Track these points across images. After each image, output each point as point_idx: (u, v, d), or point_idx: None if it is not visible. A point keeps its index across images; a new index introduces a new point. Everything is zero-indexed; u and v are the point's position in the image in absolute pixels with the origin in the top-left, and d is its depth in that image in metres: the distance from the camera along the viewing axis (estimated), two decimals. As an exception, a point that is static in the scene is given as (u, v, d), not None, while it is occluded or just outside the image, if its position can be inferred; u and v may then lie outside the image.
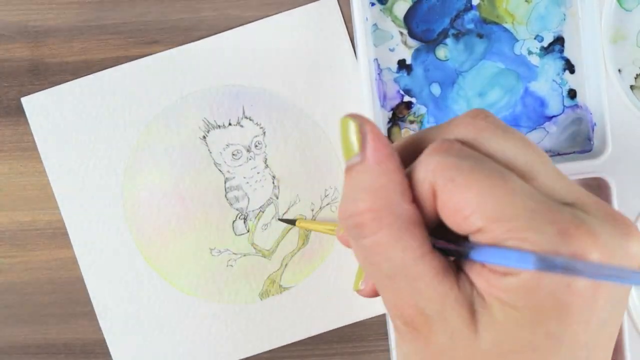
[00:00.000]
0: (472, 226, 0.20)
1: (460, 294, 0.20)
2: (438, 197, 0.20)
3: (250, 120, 0.41)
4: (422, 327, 0.20)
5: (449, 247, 0.21)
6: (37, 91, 0.41)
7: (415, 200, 0.21)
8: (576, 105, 0.41)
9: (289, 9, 0.41)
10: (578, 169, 0.40)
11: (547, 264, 0.18)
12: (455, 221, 0.20)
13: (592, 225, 0.19)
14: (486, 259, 0.20)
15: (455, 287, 0.20)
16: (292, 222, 0.41)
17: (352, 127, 0.21)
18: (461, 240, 0.21)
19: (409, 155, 0.23)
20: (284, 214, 0.42)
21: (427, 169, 0.20)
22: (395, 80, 0.41)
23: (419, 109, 0.41)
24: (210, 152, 0.42)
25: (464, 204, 0.20)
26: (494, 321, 0.20)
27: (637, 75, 0.41)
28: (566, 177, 0.21)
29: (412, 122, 0.41)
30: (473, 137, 0.21)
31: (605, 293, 0.19)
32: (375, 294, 0.25)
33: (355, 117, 0.21)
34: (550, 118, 0.41)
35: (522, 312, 0.19)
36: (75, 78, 0.41)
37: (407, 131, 0.41)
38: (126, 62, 0.41)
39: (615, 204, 0.39)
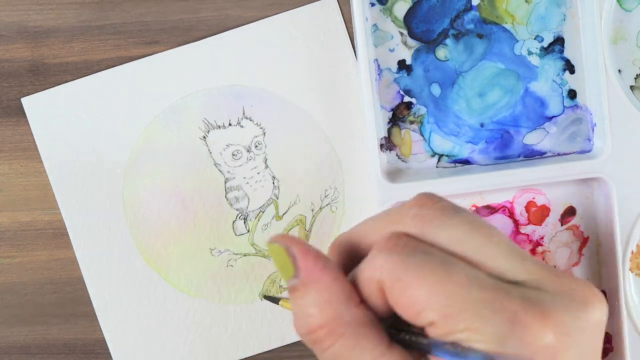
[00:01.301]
0: (425, 321, 0.20)
1: None
2: (388, 294, 0.21)
3: (250, 120, 0.42)
4: None
5: (411, 342, 0.21)
6: (37, 91, 0.41)
7: (365, 299, 0.21)
8: (576, 106, 0.41)
9: (289, 10, 0.41)
10: (578, 169, 0.40)
11: None
12: (409, 316, 0.21)
13: (543, 303, 0.19)
14: (446, 357, 0.20)
15: None
16: (275, 300, 0.40)
17: (280, 250, 0.22)
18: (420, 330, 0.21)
19: (355, 248, 0.23)
20: (284, 214, 0.42)
21: (373, 268, 0.21)
22: (395, 81, 0.41)
23: (419, 109, 0.41)
24: (211, 153, 0.42)
25: (413, 301, 0.20)
26: None
27: (637, 75, 0.41)
28: (519, 253, 0.21)
29: (412, 122, 0.41)
30: (420, 228, 0.21)
31: None
32: None
33: (280, 240, 0.22)
34: (550, 118, 0.41)
35: None
36: (75, 78, 0.41)
37: (407, 132, 0.41)
38: (126, 62, 0.41)
39: (615, 204, 0.39)
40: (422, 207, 0.22)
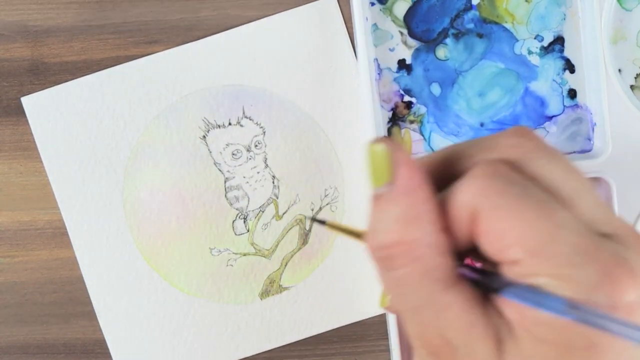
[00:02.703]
0: (511, 257, 0.19)
1: (487, 324, 0.20)
2: (479, 222, 0.19)
3: (250, 119, 0.42)
4: (448, 357, 0.20)
5: (480, 279, 0.20)
6: (37, 91, 0.41)
7: (448, 224, 0.20)
8: (576, 105, 0.41)
9: (289, 9, 0.41)
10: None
11: (581, 317, 0.18)
12: (494, 249, 0.19)
13: (634, 262, 0.19)
14: (518, 300, 0.19)
15: (483, 316, 0.20)
16: (322, 222, 0.41)
17: (383, 153, 0.20)
18: (492, 267, 0.20)
19: (444, 171, 0.22)
20: (283, 214, 0.42)
21: (470, 192, 0.20)
22: (395, 80, 0.41)
23: (419, 108, 0.41)
24: (210, 152, 0.42)
25: (506, 233, 0.19)
26: (521, 353, 0.19)
27: (637, 75, 0.41)
28: (607, 207, 0.20)
29: (412, 122, 0.41)
30: (519, 158, 0.20)
31: None
32: None
33: (386, 142, 0.20)
34: (550, 118, 0.41)
35: (551, 347, 0.19)
36: (75, 78, 0.41)
37: (407, 131, 0.41)
38: (126, 61, 0.41)
39: (615, 204, 0.39)
40: (522, 137, 0.21)
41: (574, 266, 0.18)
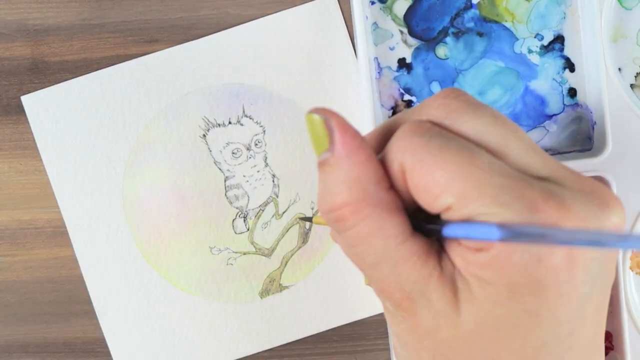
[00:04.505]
0: (443, 205, 0.20)
1: (442, 274, 0.20)
2: (408, 178, 0.20)
3: (250, 118, 0.42)
4: (409, 309, 0.21)
5: (426, 226, 0.21)
6: (37, 90, 0.41)
7: (392, 184, 0.21)
8: (576, 104, 0.41)
9: (289, 8, 0.41)
10: (578, 167, 0.40)
11: (512, 232, 0.18)
12: (426, 201, 0.20)
13: (564, 197, 0.19)
14: (456, 233, 0.20)
15: (438, 267, 0.20)
16: (309, 219, 0.41)
17: (320, 122, 0.21)
18: (438, 219, 0.21)
19: (384, 141, 0.23)
20: (283, 213, 0.42)
21: (396, 150, 0.21)
22: (395, 79, 0.41)
23: (419, 107, 0.41)
24: (210, 151, 0.42)
25: (432, 184, 0.20)
26: (474, 299, 0.20)
27: (637, 73, 0.41)
28: (542, 151, 0.21)
29: (412, 120, 0.41)
30: (444, 117, 0.21)
31: (583, 265, 0.19)
32: None
33: (320, 111, 0.21)
34: (550, 117, 0.41)
35: (498, 288, 0.19)
36: (75, 76, 0.41)
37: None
38: (126, 60, 0.41)
39: (616, 203, 0.39)
40: (446, 97, 0.22)
41: (500, 205, 0.19)
